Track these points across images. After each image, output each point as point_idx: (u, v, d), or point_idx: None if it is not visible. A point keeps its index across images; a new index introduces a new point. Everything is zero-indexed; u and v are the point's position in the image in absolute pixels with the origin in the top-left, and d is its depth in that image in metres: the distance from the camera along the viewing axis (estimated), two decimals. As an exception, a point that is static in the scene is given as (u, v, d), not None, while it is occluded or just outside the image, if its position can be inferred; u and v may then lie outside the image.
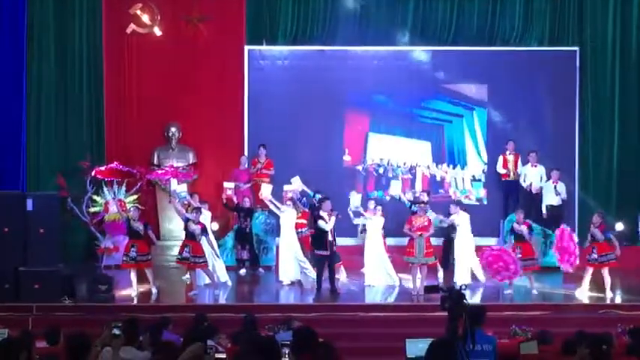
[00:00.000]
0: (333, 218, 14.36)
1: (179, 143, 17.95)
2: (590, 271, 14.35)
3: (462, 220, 15.27)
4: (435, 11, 18.35)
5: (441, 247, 16.09)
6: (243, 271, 16.22)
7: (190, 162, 17.83)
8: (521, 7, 18.29)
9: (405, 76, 18.41)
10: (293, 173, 16.21)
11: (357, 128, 18.62)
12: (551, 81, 18.26)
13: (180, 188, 15.81)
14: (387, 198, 18.02)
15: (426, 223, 14.50)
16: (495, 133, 18.43)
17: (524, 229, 14.62)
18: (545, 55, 18.33)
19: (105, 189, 16.62)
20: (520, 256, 14.41)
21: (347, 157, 18.50)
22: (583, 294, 14.33)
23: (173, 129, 17.85)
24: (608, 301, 13.91)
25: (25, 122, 17.61)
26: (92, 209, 16.50)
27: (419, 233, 14.36)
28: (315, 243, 14.55)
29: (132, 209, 14.77)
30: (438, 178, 18.72)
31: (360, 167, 18.55)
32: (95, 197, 16.52)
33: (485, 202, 18.45)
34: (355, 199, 15.95)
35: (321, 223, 14.32)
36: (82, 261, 16.36)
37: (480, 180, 18.67)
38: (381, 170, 18.67)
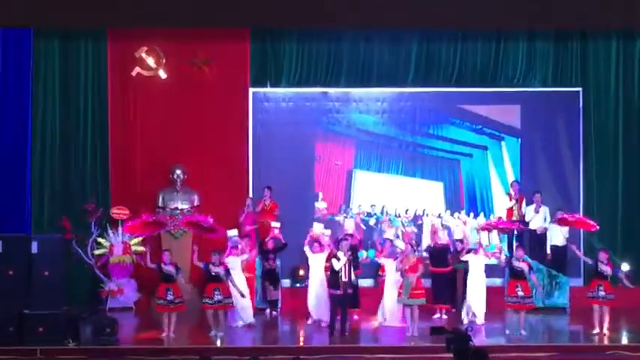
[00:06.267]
0: (344, 259, 14.27)
1: (184, 185, 17.97)
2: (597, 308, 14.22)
3: (478, 262, 15.12)
4: (438, 53, 18.40)
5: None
6: None
7: (195, 204, 17.81)
8: (524, 48, 18.37)
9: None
10: (298, 216, 16.20)
11: (334, 164, 17.01)
12: (555, 121, 18.28)
13: (231, 232, 15.68)
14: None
15: (413, 264, 14.38)
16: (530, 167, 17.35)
17: (524, 266, 14.46)
18: (548, 96, 18.37)
19: (110, 231, 16.70)
20: (522, 294, 14.24)
21: (322, 204, 17.52)
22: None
23: (178, 171, 17.86)
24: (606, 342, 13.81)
25: (29, 164, 17.61)
26: (97, 252, 16.54)
27: (409, 274, 14.25)
28: (331, 282, 14.53)
29: (166, 252, 14.58)
30: (455, 231, 16.46)
31: (340, 218, 17.34)
32: (100, 240, 16.56)
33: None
34: (317, 227, 15.76)
35: (333, 261, 14.33)
36: (86, 304, 16.31)
37: (511, 231, 16.58)
38: (371, 221, 17.56)
